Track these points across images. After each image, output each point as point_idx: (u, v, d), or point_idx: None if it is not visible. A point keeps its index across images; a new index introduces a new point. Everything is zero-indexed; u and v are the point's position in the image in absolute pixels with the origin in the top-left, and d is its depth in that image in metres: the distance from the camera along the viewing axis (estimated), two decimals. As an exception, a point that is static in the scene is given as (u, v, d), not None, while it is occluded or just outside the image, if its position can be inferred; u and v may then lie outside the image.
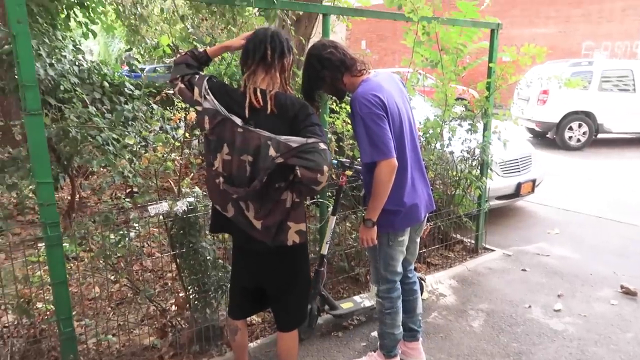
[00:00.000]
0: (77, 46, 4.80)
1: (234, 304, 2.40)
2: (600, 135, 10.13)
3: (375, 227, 2.38)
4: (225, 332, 2.85)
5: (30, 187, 3.61)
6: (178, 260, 2.78)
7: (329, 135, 3.37)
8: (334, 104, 3.53)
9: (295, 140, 1.93)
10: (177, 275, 2.87)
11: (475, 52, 4.16)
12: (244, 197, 2.02)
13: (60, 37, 4.79)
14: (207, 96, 2.03)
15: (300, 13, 3.81)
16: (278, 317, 2.35)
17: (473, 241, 4.52)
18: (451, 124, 4.11)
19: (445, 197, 4.22)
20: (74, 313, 2.41)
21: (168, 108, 3.60)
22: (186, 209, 2.63)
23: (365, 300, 3.21)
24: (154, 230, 3.28)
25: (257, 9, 4.29)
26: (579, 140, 9.83)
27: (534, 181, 5.41)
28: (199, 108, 2.05)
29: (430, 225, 3.98)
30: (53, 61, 3.89)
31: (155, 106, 3.60)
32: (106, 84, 4.53)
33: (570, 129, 9.80)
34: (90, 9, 6.86)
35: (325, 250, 2.92)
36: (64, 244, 2.35)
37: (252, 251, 2.19)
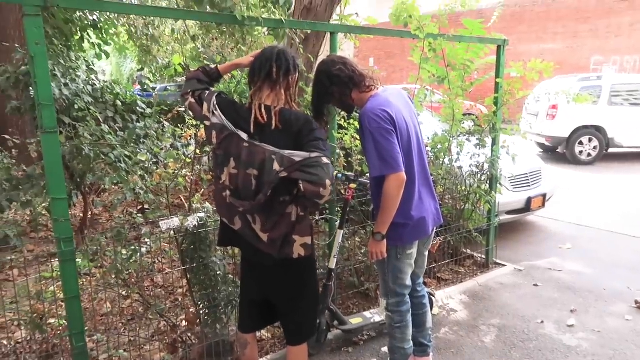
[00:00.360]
0: (91, 66, 4.92)
1: (243, 317, 2.42)
2: (611, 150, 10.05)
3: (385, 241, 2.39)
4: (236, 347, 2.85)
5: (44, 204, 3.68)
6: (189, 275, 2.80)
7: (337, 151, 3.40)
8: (342, 119, 3.57)
9: (298, 155, 1.96)
10: (188, 290, 2.89)
11: (483, 67, 4.19)
12: (250, 210, 2.05)
13: (74, 58, 4.92)
14: (215, 112, 2.09)
15: (309, 32, 3.87)
16: (286, 331, 2.37)
17: (484, 256, 4.50)
18: (459, 138, 4.12)
19: (455, 212, 4.22)
20: (85, 328, 2.43)
21: (179, 125, 3.66)
22: (197, 224, 2.66)
23: (376, 315, 3.19)
24: (165, 245, 3.32)
25: (266, 28, 4.38)
26: (589, 154, 9.77)
27: (544, 196, 5.38)
28: (207, 123, 2.12)
29: (440, 240, 3.96)
30: (68, 81, 3.99)
31: (166, 124, 3.66)
32: (119, 102, 4.62)
33: (581, 143, 9.75)
34: (104, 31, 7.06)
35: (333, 264, 2.93)
36: (76, 260, 2.39)
37: (259, 264, 2.21)
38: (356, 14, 4.62)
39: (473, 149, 4.16)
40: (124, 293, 2.94)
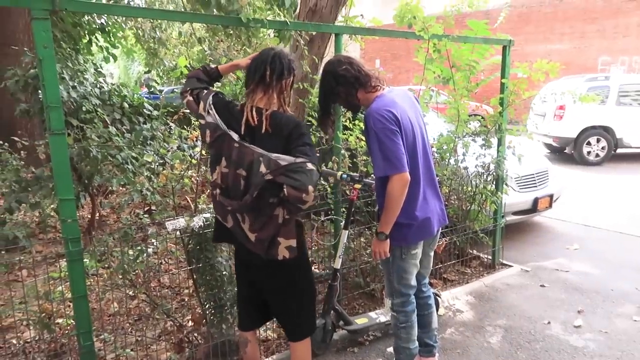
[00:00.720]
0: (99, 69, 4.96)
1: (242, 316, 2.45)
2: (619, 150, 9.98)
3: (388, 240, 2.39)
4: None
5: (52, 205, 3.71)
6: (195, 275, 2.82)
7: (342, 152, 3.41)
8: (347, 120, 3.58)
9: (284, 159, 1.97)
10: (194, 290, 2.91)
11: (489, 68, 4.19)
12: (238, 209, 2.08)
13: (82, 61, 4.97)
14: (210, 111, 2.12)
15: (313, 33, 3.88)
16: (284, 328, 2.41)
17: (490, 257, 4.48)
18: (465, 139, 4.12)
19: (461, 213, 4.21)
20: (93, 328, 2.45)
21: (185, 127, 3.68)
22: (202, 224, 2.68)
23: (381, 316, 3.20)
24: (171, 246, 3.34)
25: (271, 30, 4.39)
26: (597, 155, 9.70)
27: (551, 196, 5.35)
28: (202, 121, 2.15)
29: (446, 241, 3.96)
30: (76, 84, 4.03)
31: (173, 125, 3.69)
32: (126, 105, 4.65)
33: (589, 144, 9.68)
34: (111, 34, 7.12)
35: (338, 264, 2.93)
36: (84, 260, 2.41)
37: (251, 263, 2.24)
38: (361, 15, 4.63)
39: (479, 149, 4.15)
40: (131, 293, 2.97)
